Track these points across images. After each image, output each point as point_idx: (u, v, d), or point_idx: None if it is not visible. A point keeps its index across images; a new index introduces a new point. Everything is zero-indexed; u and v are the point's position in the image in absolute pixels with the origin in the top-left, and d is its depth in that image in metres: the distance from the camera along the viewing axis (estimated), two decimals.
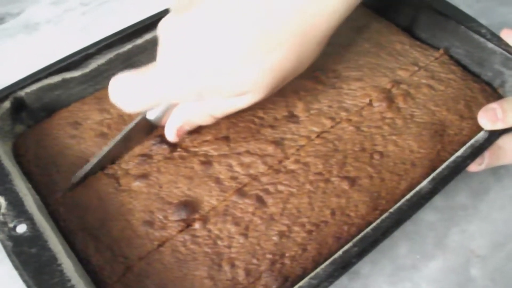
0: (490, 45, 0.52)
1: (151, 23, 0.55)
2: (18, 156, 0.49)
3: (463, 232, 0.47)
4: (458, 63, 0.55)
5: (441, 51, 0.55)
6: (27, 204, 0.42)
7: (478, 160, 0.46)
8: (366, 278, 0.45)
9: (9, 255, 0.39)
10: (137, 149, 0.48)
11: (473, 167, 0.46)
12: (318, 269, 0.38)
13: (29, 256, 0.38)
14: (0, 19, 0.67)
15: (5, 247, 0.39)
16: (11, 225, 0.40)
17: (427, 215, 0.48)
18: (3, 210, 0.41)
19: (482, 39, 0.52)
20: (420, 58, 0.55)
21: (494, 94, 0.53)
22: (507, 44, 0.52)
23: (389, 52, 0.55)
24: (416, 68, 0.54)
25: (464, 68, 0.55)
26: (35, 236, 0.39)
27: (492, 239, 0.47)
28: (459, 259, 0.46)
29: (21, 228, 0.40)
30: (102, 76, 0.54)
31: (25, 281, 0.37)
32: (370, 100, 0.51)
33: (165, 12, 0.55)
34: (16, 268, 0.38)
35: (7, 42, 0.56)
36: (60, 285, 0.37)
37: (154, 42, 0.55)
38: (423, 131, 0.49)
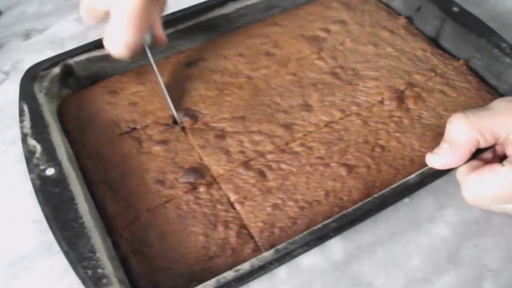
0: (508, 59, 0.54)
1: (188, 13, 0.61)
2: (61, 116, 0.55)
3: (476, 246, 0.48)
4: (476, 74, 0.57)
5: (461, 61, 0.58)
6: (59, 153, 0.48)
7: None
8: None
9: (36, 192, 0.45)
10: (163, 119, 0.54)
11: None
12: (296, 236, 0.42)
13: (52, 194, 0.44)
14: (26, 34, 0.70)
15: (34, 184, 0.45)
16: (42, 167, 0.46)
17: (440, 229, 0.49)
18: (37, 155, 0.47)
19: (500, 53, 0.54)
20: (439, 65, 0.58)
21: None
22: None
23: (410, 58, 0.58)
24: (433, 74, 0.56)
25: (482, 79, 0.57)
26: (60, 179, 0.45)
27: (505, 253, 0.48)
28: (471, 273, 0.46)
29: (50, 171, 0.46)
30: (143, 55, 0.59)
31: (45, 214, 0.43)
32: (382, 99, 0.54)
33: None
34: (40, 202, 0.44)
35: (35, 57, 0.59)
36: (72, 220, 0.43)
37: (194, 28, 0.61)
38: (427, 132, 0.51)
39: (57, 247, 0.45)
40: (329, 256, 0.46)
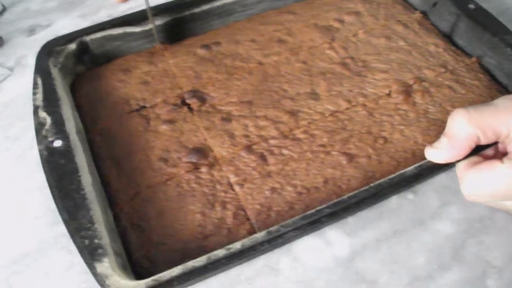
0: None
1: None
2: (74, 91, 0.57)
3: (479, 243, 0.48)
4: (488, 72, 0.57)
5: (474, 59, 0.58)
6: (68, 126, 0.49)
7: None
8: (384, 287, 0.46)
9: (42, 162, 0.46)
10: (172, 99, 0.55)
11: None
12: (289, 220, 0.42)
13: (57, 165, 0.46)
14: (31, 30, 0.70)
15: (41, 155, 0.47)
16: (50, 139, 0.48)
17: (444, 226, 0.49)
18: (47, 127, 0.49)
19: None
20: (451, 62, 0.57)
21: None
22: None
23: (422, 52, 0.58)
24: (443, 70, 0.56)
25: (493, 78, 0.57)
26: (66, 151, 0.47)
27: (508, 251, 0.48)
28: (475, 270, 0.46)
29: (57, 143, 0.47)
30: (159, 35, 0.60)
31: (49, 183, 0.45)
32: (390, 91, 0.55)
33: None
34: (45, 172, 0.45)
35: None
36: (74, 191, 0.44)
37: (210, 12, 0.62)
38: (432, 127, 0.52)
39: (59, 244, 0.47)
40: (333, 253, 0.47)
